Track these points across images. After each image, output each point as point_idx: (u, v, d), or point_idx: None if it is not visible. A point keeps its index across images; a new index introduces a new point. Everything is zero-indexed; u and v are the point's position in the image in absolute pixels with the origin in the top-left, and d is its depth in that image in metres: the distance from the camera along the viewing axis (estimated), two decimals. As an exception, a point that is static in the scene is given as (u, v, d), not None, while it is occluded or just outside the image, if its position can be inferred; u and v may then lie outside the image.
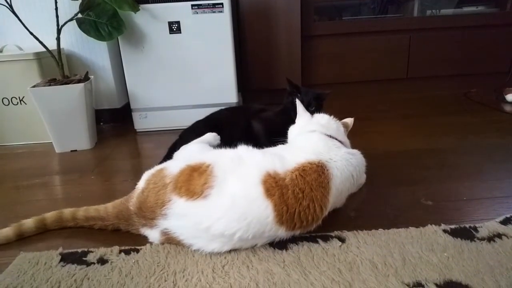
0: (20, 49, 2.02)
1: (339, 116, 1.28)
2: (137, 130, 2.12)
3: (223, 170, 0.98)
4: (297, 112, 1.31)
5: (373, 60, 2.58)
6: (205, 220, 0.91)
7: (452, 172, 1.39)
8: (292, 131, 1.27)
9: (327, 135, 1.15)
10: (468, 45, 2.58)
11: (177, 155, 1.28)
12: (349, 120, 1.30)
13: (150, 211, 0.99)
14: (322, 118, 1.24)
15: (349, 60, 2.58)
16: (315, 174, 0.98)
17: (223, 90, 2.07)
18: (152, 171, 1.08)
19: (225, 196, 0.93)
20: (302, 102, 1.60)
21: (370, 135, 1.86)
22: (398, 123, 2.03)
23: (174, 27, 1.95)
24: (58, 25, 1.79)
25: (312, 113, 1.54)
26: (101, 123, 2.31)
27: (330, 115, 1.27)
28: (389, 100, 2.50)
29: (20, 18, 1.73)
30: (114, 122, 2.33)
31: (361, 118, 2.13)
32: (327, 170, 1.00)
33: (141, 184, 1.06)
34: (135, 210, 1.02)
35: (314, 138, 1.13)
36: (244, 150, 1.09)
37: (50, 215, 1.12)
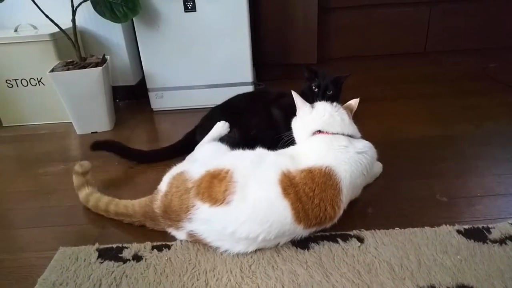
0: (35, 27, 1.99)
1: (354, 94, 1.25)
2: (154, 109, 2.14)
3: (243, 174, 1.02)
4: (296, 104, 1.26)
5: (391, 34, 2.51)
6: (230, 225, 0.97)
7: (468, 165, 1.42)
8: (296, 127, 1.25)
9: (333, 133, 1.14)
10: (490, 17, 2.48)
11: (194, 155, 1.32)
12: (354, 102, 1.24)
13: (175, 215, 1.04)
14: (324, 111, 1.18)
15: (366, 33, 2.51)
16: (323, 178, 1.02)
17: (238, 66, 2.05)
18: (172, 173, 1.12)
19: (246, 200, 0.98)
20: (319, 86, 1.61)
21: (386, 119, 1.85)
22: (413, 104, 2.00)
23: (189, 5, 1.90)
24: (72, 6, 1.76)
25: (330, 97, 1.55)
26: (117, 100, 2.33)
27: (333, 102, 1.22)
28: (405, 75, 2.45)
29: (34, -1, 1.70)
30: (129, 99, 2.34)
31: (376, 98, 2.13)
32: (335, 174, 1.03)
33: (163, 186, 1.10)
34: (161, 213, 1.07)
35: (317, 145, 1.13)
36: (261, 152, 1.14)
37: (93, 198, 1.22)
